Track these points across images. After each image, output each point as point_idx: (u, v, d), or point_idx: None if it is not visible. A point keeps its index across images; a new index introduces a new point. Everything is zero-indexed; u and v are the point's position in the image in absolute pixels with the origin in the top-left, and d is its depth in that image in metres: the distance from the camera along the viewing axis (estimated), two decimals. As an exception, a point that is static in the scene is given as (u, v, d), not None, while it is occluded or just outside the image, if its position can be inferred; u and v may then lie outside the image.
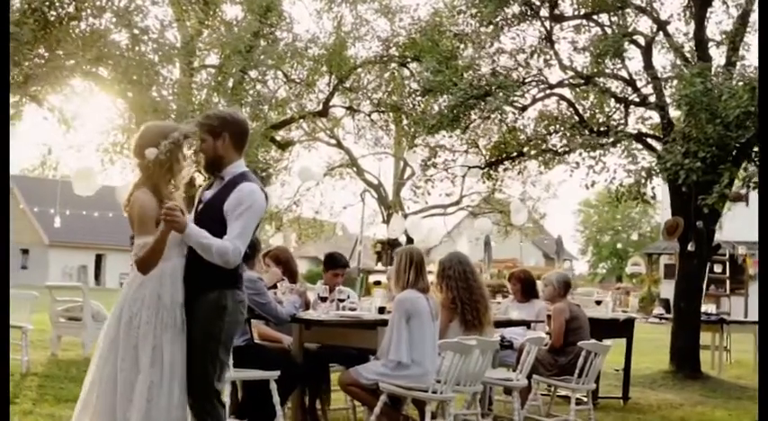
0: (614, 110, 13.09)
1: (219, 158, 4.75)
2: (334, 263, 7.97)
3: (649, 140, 12.70)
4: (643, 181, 11.69)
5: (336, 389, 7.26)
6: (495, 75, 12.88)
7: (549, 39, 13.11)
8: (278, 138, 19.37)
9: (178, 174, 4.73)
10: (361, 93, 18.44)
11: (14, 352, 9.27)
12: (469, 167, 14.51)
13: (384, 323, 6.51)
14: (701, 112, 10.34)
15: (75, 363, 10.19)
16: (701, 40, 12.41)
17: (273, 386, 6.21)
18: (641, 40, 12.92)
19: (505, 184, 18.55)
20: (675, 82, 11.85)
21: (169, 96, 14.15)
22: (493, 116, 13.18)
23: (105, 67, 13.15)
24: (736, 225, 20.77)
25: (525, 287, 8.98)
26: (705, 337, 13.21)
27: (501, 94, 12.03)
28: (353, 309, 7.15)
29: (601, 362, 7.79)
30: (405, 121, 16.89)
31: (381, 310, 6.94)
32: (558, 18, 13.15)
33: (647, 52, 12.82)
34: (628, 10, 12.93)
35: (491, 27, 12.96)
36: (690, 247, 12.37)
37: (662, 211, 31.66)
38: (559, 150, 13.17)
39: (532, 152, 13.56)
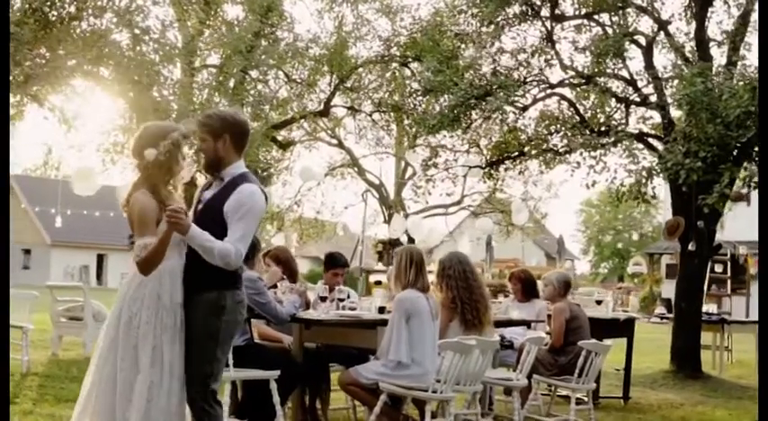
0: (615, 110, 13.08)
1: (219, 159, 4.75)
2: (334, 262, 7.98)
3: (650, 140, 12.69)
4: (644, 181, 11.69)
5: (336, 389, 7.26)
6: (496, 74, 12.89)
7: (549, 38, 13.11)
8: (279, 138, 19.37)
9: (177, 174, 4.74)
10: (362, 92, 18.45)
11: (15, 351, 9.27)
12: (470, 167, 14.50)
13: (384, 323, 6.51)
14: (701, 112, 10.33)
15: (76, 363, 10.19)
16: (701, 40, 12.40)
17: (273, 386, 6.21)
18: (642, 40, 12.92)
19: (506, 184, 18.55)
20: (676, 82, 11.85)
21: (170, 96, 14.15)
22: (494, 116, 13.18)
23: (106, 67, 13.16)
24: (737, 225, 20.77)
25: (525, 287, 8.99)
26: (706, 337, 13.21)
27: (502, 93, 12.03)
28: (353, 309, 7.15)
29: (601, 361, 7.79)
30: (406, 121, 16.88)
31: (381, 310, 6.94)
32: (559, 18, 13.14)
33: (647, 52, 12.82)
34: (629, 10, 12.93)
35: (492, 27, 12.96)
36: (691, 247, 12.37)
37: (663, 211, 31.67)
38: (560, 150, 13.17)
39: (533, 152, 13.56)
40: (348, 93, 18.60)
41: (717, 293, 28.99)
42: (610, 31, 12.81)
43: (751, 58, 12.40)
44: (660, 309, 17.35)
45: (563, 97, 13.45)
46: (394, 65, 17.51)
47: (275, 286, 6.83)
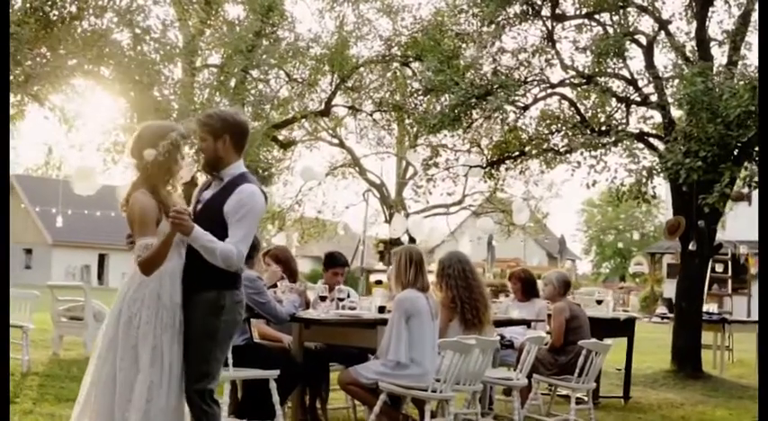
0: (616, 109, 13.08)
1: (219, 159, 4.75)
2: (333, 262, 7.99)
3: (651, 140, 12.70)
4: (644, 180, 11.69)
5: (336, 389, 7.26)
6: (497, 74, 12.89)
7: (550, 38, 13.12)
8: (280, 137, 19.36)
9: (176, 174, 4.74)
10: (363, 92, 18.42)
11: (15, 351, 9.28)
12: (471, 167, 14.50)
13: (384, 322, 6.51)
14: (701, 112, 10.33)
15: (77, 363, 10.19)
16: (702, 40, 12.40)
17: (273, 385, 6.21)
18: (643, 40, 12.92)
19: (507, 184, 18.55)
20: (677, 81, 11.85)
21: (171, 96, 14.15)
22: (494, 115, 13.18)
23: (107, 67, 13.16)
24: (738, 224, 20.80)
25: (525, 286, 9.00)
26: (707, 337, 13.22)
27: (502, 93, 12.03)
28: (353, 309, 7.16)
29: (601, 361, 7.79)
30: (407, 121, 16.88)
31: (381, 309, 6.94)
32: (560, 17, 13.14)
33: (648, 52, 12.82)
34: (629, 9, 12.92)
35: (493, 26, 12.95)
36: (691, 247, 12.37)
37: (665, 211, 31.66)
38: (561, 150, 13.17)
39: (534, 151, 13.56)
40: (349, 92, 18.58)
41: (718, 293, 29.01)
42: (610, 30, 12.81)
43: (751, 57, 12.41)
44: (661, 309, 17.37)
45: (564, 97, 13.45)
46: (395, 64, 17.50)
47: (275, 285, 6.84)
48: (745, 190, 12.22)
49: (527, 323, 8.52)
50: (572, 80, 13.19)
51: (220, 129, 4.72)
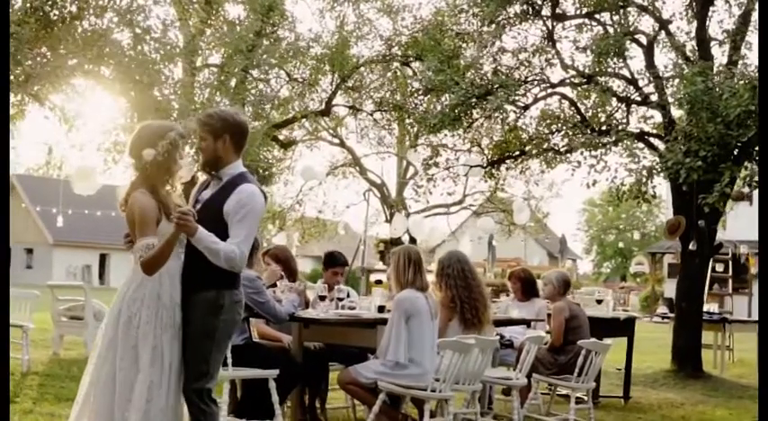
0: (616, 109, 13.07)
1: (218, 159, 4.76)
2: (333, 261, 8.00)
3: (651, 139, 12.69)
4: (644, 180, 11.69)
5: (336, 388, 7.27)
6: (497, 74, 12.90)
7: (550, 38, 13.12)
8: (281, 137, 19.35)
9: (175, 174, 4.74)
10: (363, 92, 18.42)
11: (15, 351, 9.29)
12: (471, 166, 14.50)
13: (383, 322, 6.51)
14: (701, 111, 10.33)
15: (77, 362, 10.19)
16: (702, 39, 12.40)
17: (272, 385, 6.21)
18: (643, 39, 12.92)
19: (508, 184, 18.56)
20: (677, 81, 11.84)
21: (171, 95, 14.15)
22: (495, 115, 13.18)
23: (107, 67, 13.16)
24: (739, 224, 20.78)
25: (525, 286, 9.00)
26: (707, 336, 13.22)
27: (502, 93, 12.03)
28: (352, 308, 7.16)
29: (600, 360, 7.79)
30: (407, 120, 16.87)
31: (381, 309, 6.94)
32: (560, 17, 13.14)
33: (648, 51, 12.82)
34: (630, 9, 12.92)
35: (493, 26, 12.95)
36: (692, 246, 12.37)
37: (666, 210, 31.64)
38: (561, 149, 13.17)
39: (534, 151, 13.56)
40: (349, 92, 18.58)
41: (719, 293, 29.01)
42: (611, 30, 12.80)
43: (752, 57, 12.41)
44: (662, 309, 17.35)
45: (564, 96, 13.45)
46: (395, 64, 17.49)
47: (274, 285, 6.84)
48: (746, 189, 12.21)
49: (527, 323, 8.52)
50: (572, 80, 13.19)
51: (220, 128, 4.73)
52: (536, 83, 13.31)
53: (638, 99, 12.83)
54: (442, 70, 12.77)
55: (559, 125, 13.35)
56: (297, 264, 7.72)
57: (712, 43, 12.50)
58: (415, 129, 16.07)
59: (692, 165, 10.35)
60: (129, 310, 4.56)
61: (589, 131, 12.58)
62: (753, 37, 12.25)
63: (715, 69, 11.76)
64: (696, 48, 12.50)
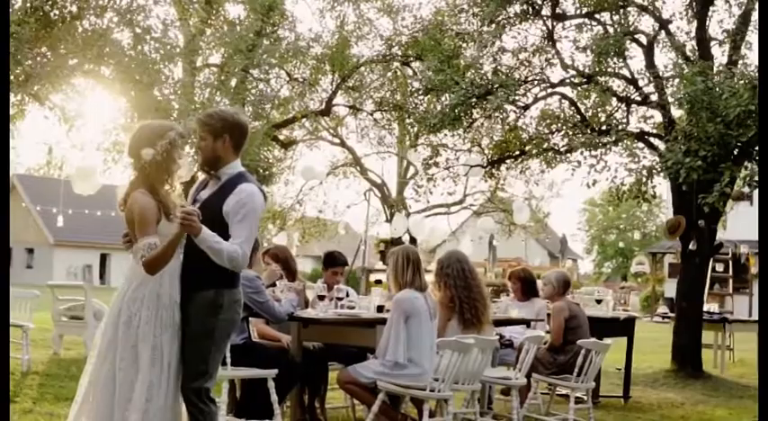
0: (616, 109, 13.07)
1: (217, 158, 4.77)
2: (333, 261, 8.01)
3: (651, 139, 12.69)
4: (644, 180, 11.69)
5: (335, 388, 7.27)
6: (497, 73, 12.90)
7: (550, 38, 13.12)
8: (281, 137, 19.36)
9: (174, 173, 4.74)
10: (363, 92, 18.43)
11: (15, 350, 9.29)
12: (471, 166, 14.50)
13: (382, 321, 6.51)
14: (701, 111, 10.32)
15: (77, 362, 10.19)
16: (702, 39, 12.40)
17: (271, 384, 6.22)
18: (643, 39, 12.92)
19: (508, 183, 18.56)
20: (677, 81, 11.84)
21: (171, 95, 14.15)
22: (495, 115, 13.19)
23: (107, 67, 13.16)
24: (739, 224, 20.75)
25: (525, 286, 9.01)
26: (708, 336, 13.21)
27: (502, 92, 12.02)
28: (352, 308, 7.16)
29: (600, 360, 7.79)
30: (407, 120, 16.87)
31: (380, 309, 6.95)
32: (560, 17, 13.14)
33: (648, 51, 12.82)
34: (630, 9, 12.93)
35: (493, 26, 12.95)
36: (692, 246, 12.37)
37: (666, 210, 31.62)
38: (561, 149, 13.17)
39: (534, 151, 13.56)
40: (350, 92, 18.59)
41: (720, 292, 28.99)
42: (611, 30, 12.80)
43: (752, 56, 12.43)
44: (663, 309, 17.35)
45: (564, 96, 13.45)
46: (395, 64, 17.51)
47: (273, 284, 6.84)
48: (746, 189, 12.21)
49: (526, 322, 8.52)
50: (572, 79, 13.18)
51: (221, 128, 4.74)
52: (536, 83, 13.32)
53: (638, 99, 12.83)
54: (442, 70, 12.77)
55: (559, 125, 13.35)
56: (296, 264, 7.72)
57: (712, 43, 12.50)
58: (416, 128, 16.06)
59: (691, 165, 10.34)
60: (129, 310, 4.56)
61: (589, 131, 12.58)
62: (753, 37, 12.26)
63: (715, 69, 11.76)
64: (696, 47, 12.50)
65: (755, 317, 17.10)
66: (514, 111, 13.42)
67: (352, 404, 7.63)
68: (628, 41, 12.50)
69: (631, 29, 12.92)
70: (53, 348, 11.55)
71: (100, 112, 15.04)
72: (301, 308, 7.09)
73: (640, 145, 12.28)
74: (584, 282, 41.74)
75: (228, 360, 5.90)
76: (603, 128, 12.69)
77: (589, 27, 13.07)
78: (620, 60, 12.58)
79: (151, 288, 4.56)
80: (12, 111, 13.02)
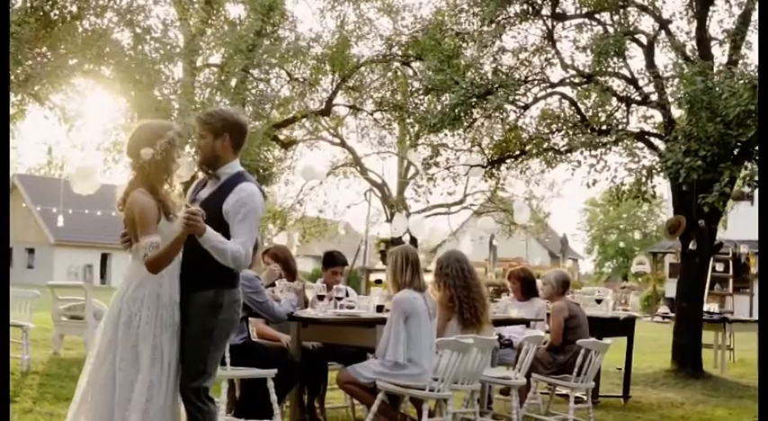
0: (616, 108, 13.07)
1: (217, 157, 4.77)
2: (332, 261, 8.01)
3: (651, 139, 12.69)
4: (644, 179, 11.69)
5: (335, 388, 7.27)
6: (497, 73, 12.91)
7: (550, 37, 13.12)
8: (281, 137, 19.36)
9: (174, 173, 4.74)
10: (363, 91, 18.43)
11: (15, 350, 9.29)
12: (471, 166, 14.50)
13: (382, 321, 6.52)
14: (701, 111, 10.32)
15: (77, 362, 10.16)
16: (702, 39, 12.40)
17: (271, 384, 6.22)
18: (643, 39, 12.92)
19: (509, 183, 18.56)
20: (677, 80, 11.84)
21: (171, 95, 14.15)
22: (495, 115, 13.19)
23: (107, 67, 13.16)
24: (740, 224, 20.76)
25: (525, 285, 9.00)
26: (708, 336, 13.21)
27: (503, 92, 12.02)
28: (351, 308, 7.16)
29: (600, 360, 7.78)
30: (408, 120, 16.87)
31: (379, 309, 6.95)
32: (560, 17, 13.15)
33: (648, 51, 12.82)
34: (630, 9, 12.92)
35: (493, 26, 12.96)
36: (692, 246, 12.37)
37: (667, 210, 31.62)
38: (561, 149, 13.18)
39: (534, 151, 13.56)
40: (350, 92, 18.59)
41: (720, 292, 28.99)
42: (611, 29, 12.80)
43: (752, 56, 12.43)
44: (663, 309, 17.35)
45: (564, 96, 13.45)
46: (395, 64, 17.51)
47: (273, 284, 6.84)
48: (746, 189, 12.21)
49: (526, 322, 8.52)
50: (572, 79, 13.19)
51: (221, 127, 4.75)
52: (536, 82, 13.32)
53: (638, 99, 12.83)
54: (443, 70, 12.78)
55: (559, 125, 13.35)
56: (296, 264, 7.72)
57: (712, 43, 12.50)
58: (416, 128, 16.07)
59: (691, 165, 10.34)
60: (129, 310, 4.56)
61: (589, 131, 12.58)
62: (753, 36, 12.26)
63: (715, 69, 11.76)
64: (696, 47, 12.50)
65: (756, 316, 17.11)
66: (514, 111, 13.42)
67: (352, 404, 7.63)
68: (628, 41, 12.50)
69: (631, 29, 12.92)
70: (53, 348, 11.55)
71: (100, 112, 15.06)
72: (301, 307, 7.09)
73: (640, 145, 12.28)
74: (584, 282, 41.73)
75: (228, 360, 5.90)
76: (603, 128, 12.70)
77: (589, 27, 13.07)
78: (620, 60, 12.58)
79: (151, 288, 4.56)
80: (12, 111, 13.02)
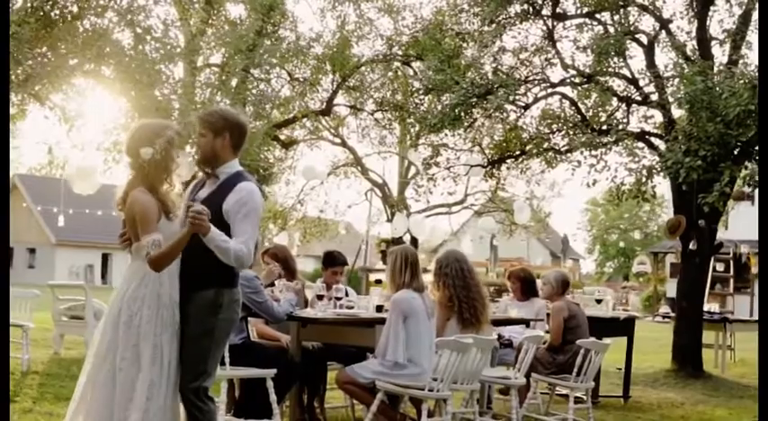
0: (616, 108, 13.07)
1: (216, 156, 4.78)
2: (332, 261, 8.01)
3: (651, 139, 12.69)
4: (644, 179, 11.69)
5: (334, 388, 7.27)
6: (498, 73, 12.90)
7: (551, 37, 13.12)
8: (282, 137, 19.35)
9: (173, 172, 4.75)
10: (364, 91, 18.43)
11: (15, 350, 9.29)
12: (472, 166, 14.50)
13: (381, 321, 6.52)
14: (701, 111, 10.32)
15: (77, 362, 10.13)
16: (702, 39, 12.40)
17: (270, 384, 6.22)
18: (643, 39, 12.91)
19: (509, 183, 18.56)
20: (677, 80, 11.84)
21: (172, 95, 14.15)
22: (495, 115, 13.18)
23: (108, 67, 13.16)
24: (740, 223, 20.75)
25: (524, 285, 9.00)
26: (708, 336, 13.20)
27: (503, 92, 12.01)
28: (351, 308, 7.17)
29: (599, 360, 7.78)
30: (408, 120, 16.87)
31: (379, 309, 6.95)
32: (560, 17, 13.14)
33: (649, 51, 12.81)
34: (630, 8, 12.92)
35: (493, 26, 12.96)
36: (692, 246, 12.36)
37: (668, 210, 31.60)
38: (561, 149, 13.18)
39: (534, 151, 13.56)
40: (350, 91, 18.59)
41: (721, 292, 28.97)
42: (611, 29, 12.80)
43: (752, 56, 12.43)
44: (664, 309, 17.34)
45: (564, 96, 13.44)
46: (396, 64, 17.51)
47: (272, 284, 6.84)
48: (746, 189, 12.20)
49: (526, 322, 8.52)
50: (573, 79, 13.18)
51: (221, 126, 4.76)
52: (536, 82, 13.31)
53: (639, 98, 12.82)
54: (443, 70, 12.78)
55: (560, 125, 13.35)
56: (296, 264, 7.72)
57: (712, 43, 12.50)
58: (416, 128, 16.06)
59: (691, 165, 10.34)
60: (130, 310, 4.56)
61: (589, 131, 12.57)
62: (753, 36, 12.26)
63: (715, 69, 11.76)
64: (696, 47, 12.50)
65: (756, 316, 17.10)
66: (515, 111, 13.42)
67: (352, 404, 7.62)
68: (628, 41, 12.50)
69: (632, 28, 12.91)
70: (53, 348, 11.55)
71: (100, 112, 15.05)
72: (300, 307, 7.10)
73: (640, 145, 12.28)
74: (585, 282, 41.70)
75: (227, 359, 5.90)
76: (604, 127, 12.69)
77: (589, 27, 13.07)
78: (621, 60, 12.58)
79: (152, 287, 4.57)
80: (12, 111, 13.02)
